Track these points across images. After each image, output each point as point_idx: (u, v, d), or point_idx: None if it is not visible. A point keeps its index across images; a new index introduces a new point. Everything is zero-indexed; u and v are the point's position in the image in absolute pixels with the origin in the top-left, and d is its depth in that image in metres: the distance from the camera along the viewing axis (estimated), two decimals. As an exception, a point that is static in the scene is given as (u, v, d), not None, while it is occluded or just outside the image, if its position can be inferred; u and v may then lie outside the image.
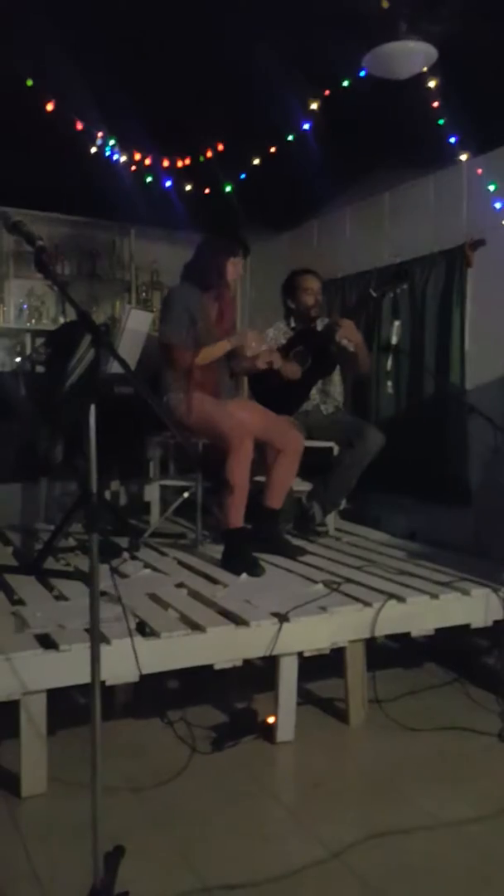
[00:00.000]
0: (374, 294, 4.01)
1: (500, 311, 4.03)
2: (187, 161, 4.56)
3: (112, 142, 4.33)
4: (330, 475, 3.90)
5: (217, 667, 2.49)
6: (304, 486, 3.97)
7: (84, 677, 1.81)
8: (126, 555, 3.39)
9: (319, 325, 4.15)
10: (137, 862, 1.84)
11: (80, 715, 2.26)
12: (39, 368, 4.90)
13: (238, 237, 3.64)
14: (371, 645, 2.79)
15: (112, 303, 5.94)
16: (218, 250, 3.50)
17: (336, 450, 3.98)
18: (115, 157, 4.42)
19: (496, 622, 2.96)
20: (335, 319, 3.99)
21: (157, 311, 5.25)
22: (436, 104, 3.67)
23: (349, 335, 3.86)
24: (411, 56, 3.26)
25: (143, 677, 2.33)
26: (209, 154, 4.46)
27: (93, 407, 1.64)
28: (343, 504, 4.17)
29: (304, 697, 2.82)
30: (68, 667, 2.23)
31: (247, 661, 2.56)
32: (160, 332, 3.51)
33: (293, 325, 4.18)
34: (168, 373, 3.48)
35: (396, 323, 3.83)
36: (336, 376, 4.16)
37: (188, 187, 4.74)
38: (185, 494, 3.79)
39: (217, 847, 2.00)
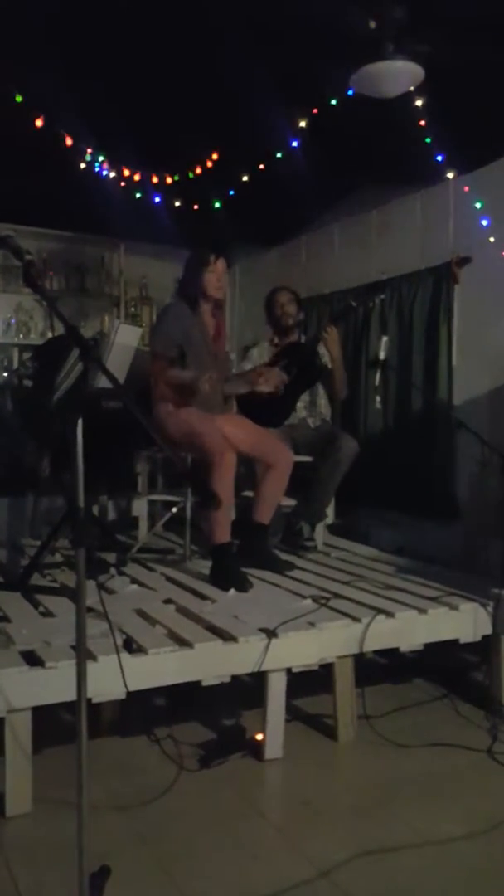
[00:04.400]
0: (354, 304, 4.20)
1: (486, 328, 4.06)
2: (176, 177, 4.59)
3: (101, 157, 4.35)
4: (309, 490, 3.91)
5: (205, 683, 2.47)
6: (291, 502, 3.97)
7: (70, 695, 1.80)
8: (113, 570, 3.37)
9: (304, 339, 4.21)
10: (124, 882, 1.82)
11: (65, 733, 2.24)
12: (27, 383, 4.88)
13: (210, 245, 3.64)
14: (360, 660, 2.78)
15: (101, 318, 5.94)
16: (192, 264, 3.54)
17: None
18: (105, 172, 4.43)
19: (485, 637, 2.96)
20: (322, 326, 4.09)
21: (146, 326, 5.27)
22: (423, 123, 3.71)
23: (331, 346, 3.96)
24: (398, 75, 3.29)
25: (130, 694, 2.32)
26: (198, 170, 4.48)
27: (80, 421, 1.64)
28: (331, 518, 4.17)
29: (293, 714, 2.80)
30: (54, 684, 2.20)
31: (235, 678, 2.55)
32: (149, 344, 3.56)
33: (276, 340, 4.25)
34: (155, 386, 3.49)
35: (384, 338, 3.85)
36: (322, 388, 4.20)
37: (177, 203, 4.76)
38: (174, 509, 3.77)
39: (204, 866, 1.98)
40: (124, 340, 3.72)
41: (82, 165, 4.30)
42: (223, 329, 3.75)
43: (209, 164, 4.42)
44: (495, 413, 3.94)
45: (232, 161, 4.37)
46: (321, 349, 4.07)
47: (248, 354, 4.27)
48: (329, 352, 4.04)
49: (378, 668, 3.26)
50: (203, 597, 3.03)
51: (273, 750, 2.58)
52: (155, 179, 4.59)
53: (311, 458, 3.96)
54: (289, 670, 2.61)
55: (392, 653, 2.94)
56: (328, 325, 4.03)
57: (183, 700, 2.82)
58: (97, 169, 4.39)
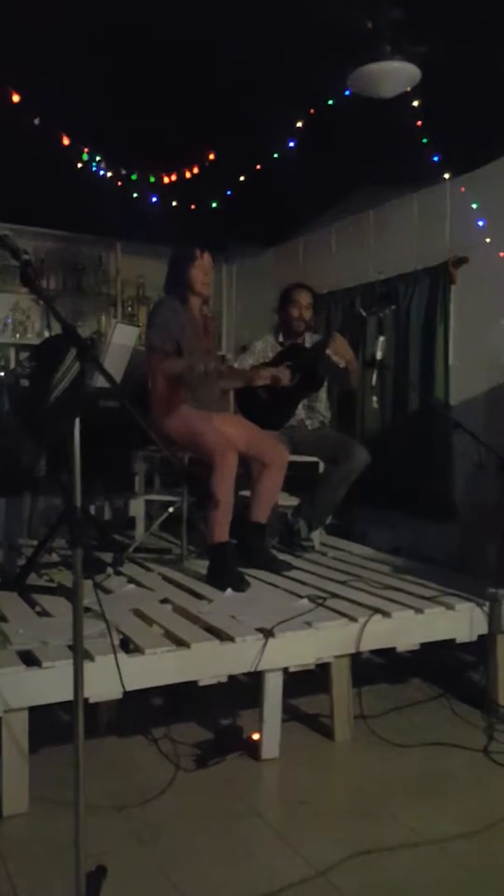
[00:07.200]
0: (364, 314, 4.02)
1: (483, 328, 4.08)
2: (173, 177, 4.59)
3: (98, 157, 4.35)
4: (315, 492, 3.90)
5: (202, 683, 2.47)
6: (290, 501, 3.97)
7: (67, 694, 1.80)
8: (110, 570, 3.36)
9: (308, 341, 4.16)
10: (120, 882, 1.82)
11: (62, 733, 2.23)
12: (24, 382, 4.88)
13: (196, 241, 3.60)
14: (356, 660, 2.78)
15: (98, 317, 5.94)
16: (179, 260, 3.53)
17: (321, 466, 3.99)
18: (102, 172, 4.43)
19: (481, 637, 2.96)
20: (331, 334, 3.99)
21: (144, 325, 5.27)
22: (419, 123, 3.71)
23: (341, 351, 3.88)
24: (395, 76, 3.30)
25: (127, 694, 2.31)
26: (195, 170, 4.48)
27: (77, 421, 1.64)
28: (329, 520, 4.17)
29: (290, 714, 2.80)
30: (51, 684, 2.20)
31: (232, 678, 2.55)
32: (146, 339, 3.54)
33: (281, 338, 4.20)
34: (154, 384, 3.48)
35: (381, 338, 3.85)
36: (322, 392, 4.17)
37: (174, 203, 4.76)
38: (171, 509, 3.77)
39: (201, 866, 1.98)
40: (121, 340, 3.72)
41: (79, 165, 4.30)
42: (210, 325, 3.75)
43: (206, 164, 4.42)
44: (492, 413, 3.96)
45: (229, 161, 4.37)
46: (331, 355, 3.91)
47: (252, 347, 4.22)
48: (341, 356, 3.90)
49: (375, 667, 3.26)
50: (200, 596, 3.03)
51: (270, 749, 2.58)
52: (152, 179, 4.59)
53: (312, 458, 3.96)
54: (285, 670, 2.61)
55: (389, 652, 2.94)
56: (334, 336, 3.91)
57: (180, 700, 2.82)
58: (94, 168, 4.39)
